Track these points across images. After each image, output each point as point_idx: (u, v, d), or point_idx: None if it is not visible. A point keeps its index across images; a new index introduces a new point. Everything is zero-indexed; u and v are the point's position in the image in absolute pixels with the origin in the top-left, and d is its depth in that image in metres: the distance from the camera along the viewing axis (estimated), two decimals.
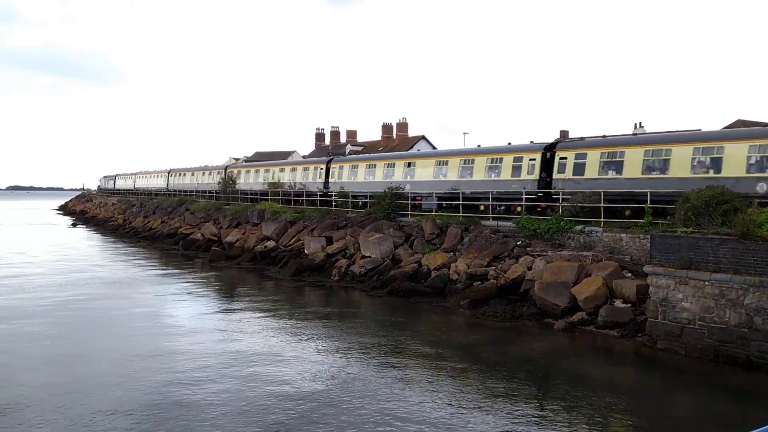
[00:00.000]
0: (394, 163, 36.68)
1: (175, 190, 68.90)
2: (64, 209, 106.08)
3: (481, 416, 11.56)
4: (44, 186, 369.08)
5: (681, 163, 22.14)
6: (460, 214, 27.85)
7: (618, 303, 18.37)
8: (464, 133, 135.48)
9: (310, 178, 44.00)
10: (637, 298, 17.89)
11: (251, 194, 47.51)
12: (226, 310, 21.93)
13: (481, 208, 28.28)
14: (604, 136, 27.11)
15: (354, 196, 36.25)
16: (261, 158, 71.93)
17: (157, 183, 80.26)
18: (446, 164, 32.42)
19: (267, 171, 51.53)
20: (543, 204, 25.93)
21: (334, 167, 41.92)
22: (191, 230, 44.11)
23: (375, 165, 38.17)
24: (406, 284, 23.70)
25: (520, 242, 23.65)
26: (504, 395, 12.81)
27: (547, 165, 27.08)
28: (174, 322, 19.61)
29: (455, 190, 30.16)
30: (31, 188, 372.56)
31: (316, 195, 40.64)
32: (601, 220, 22.07)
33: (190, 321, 19.80)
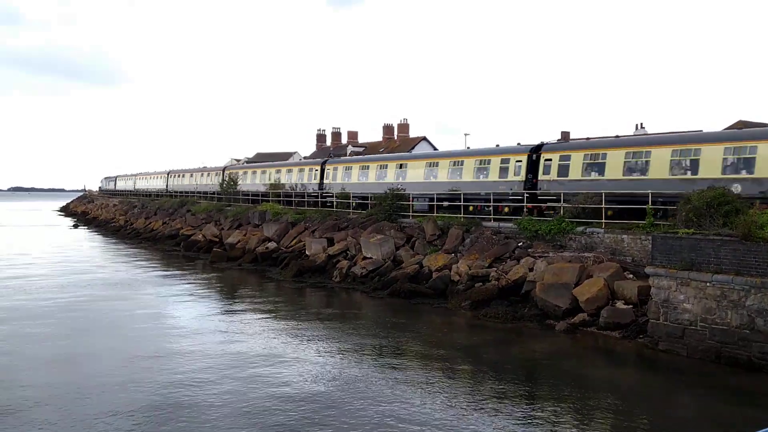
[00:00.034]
0: (386, 165, 37.40)
1: (174, 191, 69.38)
2: (66, 210, 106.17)
3: (483, 417, 11.56)
4: (46, 187, 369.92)
5: (660, 165, 22.72)
6: (461, 215, 27.88)
7: (619, 304, 18.36)
8: (465, 134, 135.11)
9: (306, 179, 44.81)
10: (639, 299, 17.88)
11: (252, 195, 47.67)
12: (227, 311, 21.94)
13: (471, 208, 28.76)
14: (588, 139, 27.66)
15: (348, 197, 36.88)
16: (262, 159, 71.95)
17: (157, 184, 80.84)
18: (437, 166, 33.19)
19: (264, 172, 52.18)
20: (529, 205, 26.40)
21: (329, 168, 42.75)
22: (192, 231, 44.12)
23: (368, 166, 38.88)
24: (408, 285, 23.70)
25: (521, 243, 23.64)
26: (505, 396, 12.81)
27: (533, 166, 27.67)
28: (175, 324, 19.62)
29: (454, 191, 30.26)
30: (33, 189, 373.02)
31: (313, 195, 41.26)
32: (603, 221, 22.07)
33: (192, 322, 19.81)
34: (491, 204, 27.70)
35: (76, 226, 68.86)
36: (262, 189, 47.94)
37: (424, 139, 62.95)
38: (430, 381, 13.73)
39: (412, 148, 58.07)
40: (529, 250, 22.94)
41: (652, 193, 21.60)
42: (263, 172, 52.29)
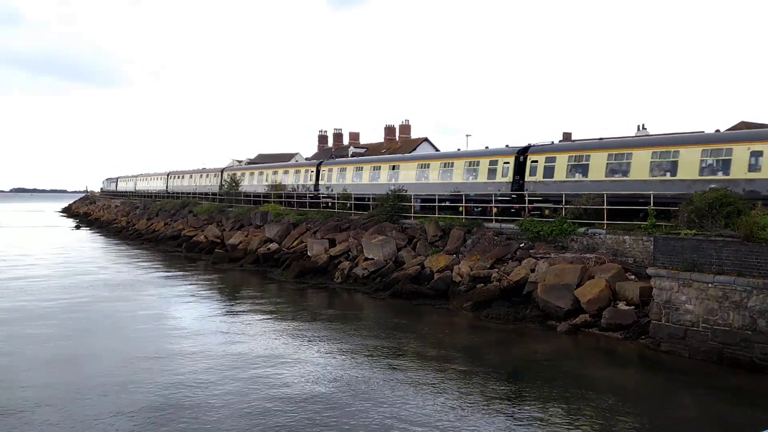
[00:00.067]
0: (380, 166, 38.13)
1: (174, 192, 69.96)
2: (68, 211, 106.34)
3: (485, 418, 11.55)
4: (48, 188, 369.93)
5: (641, 167, 23.25)
6: (463, 217, 27.89)
7: (621, 305, 18.34)
8: (467, 135, 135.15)
9: (302, 180, 45.61)
10: (641, 300, 17.86)
11: (249, 196, 47.96)
12: (229, 312, 21.95)
13: (460, 209, 29.16)
14: (573, 141, 27.99)
15: (342, 198, 37.47)
16: (263, 160, 72.05)
17: (157, 185, 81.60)
18: (428, 167, 33.86)
19: (261, 173, 52.92)
20: (516, 206, 26.95)
21: (324, 170, 43.59)
22: (194, 232, 44.15)
23: (362, 168, 39.58)
24: (409, 286, 23.70)
25: (523, 244, 23.63)
26: (507, 397, 12.81)
27: (520, 168, 28.22)
28: (177, 324, 19.64)
29: (457, 192, 30.35)
30: (35, 190, 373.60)
31: (306, 196, 41.97)
32: (605, 222, 22.06)
33: (193, 323, 19.83)
34: (479, 205, 28.30)
35: (77, 228, 68.93)
36: (260, 190, 48.63)
37: (426, 140, 62.92)
38: (432, 382, 13.73)
39: (414, 149, 58.04)
40: (531, 251, 22.92)
41: (632, 194, 22.25)
42: (260, 174, 53.07)
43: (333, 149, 71.46)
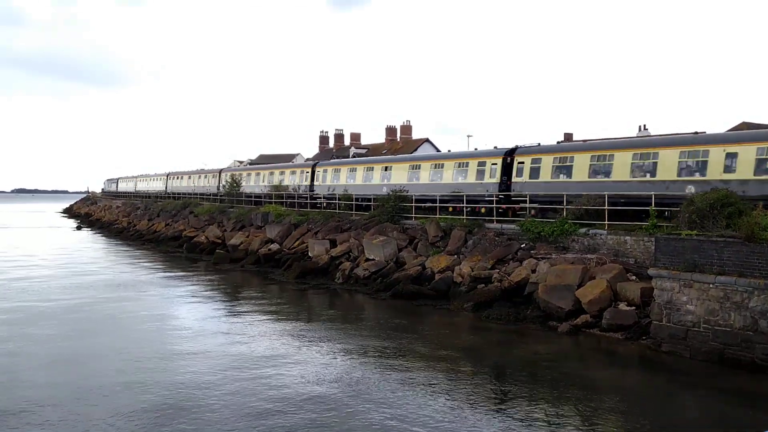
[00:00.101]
0: (372, 167, 38.83)
1: (173, 193, 70.62)
2: (69, 212, 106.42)
3: (485, 419, 11.55)
4: (49, 189, 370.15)
5: (622, 168, 23.90)
6: (464, 217, 27.92)
7: (622, 306, 18.33)
8: (468, 136, 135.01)
9: (297, 181, 46.31)
10: (642, 300, 17.85)
11: (247, 197, 48.25)
12: (230, 312, 21.96)
13: (450, 209, 29.80)
14: (558, 143, 28.96)
15: (337, 198, 38.24)
16: (265, 161, 72.19)
17: (157, 186, 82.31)
18: (419, 168, 34.53)
19: (258, 174, 53.56)
20: (503, 206, 27.50)
21: (319, 171, 44.30)
22: (195, 233, 44.19)
23: (355, 169, 40.33)
24: (410, 287, 23.70)
25: (524, 245, 23.62)
26: (508, 398, 12.81)
27: (507, 169, 28.89)
28: (178, 325, 19.66)
29: (457, 192, 30.56)
30: (36, 191, 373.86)
31: (303, 197, 42.60)
32: (606, 222, 22.06)
33: (195, 324, 19.84)
34: (468, 205, 28.91)
35: (79, 228, 69.01)
36: (257, 191, 49.28)
37: (427, 140, 62.96)
38: (433, 382, 13.72)
39: (415, 149, 58.07)
40: (532, 251, 22.92)
41: (612, 194, 22.83)
42: (257, 174, 53.69)
43: (334, 150, 71.48)
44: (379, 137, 73.09)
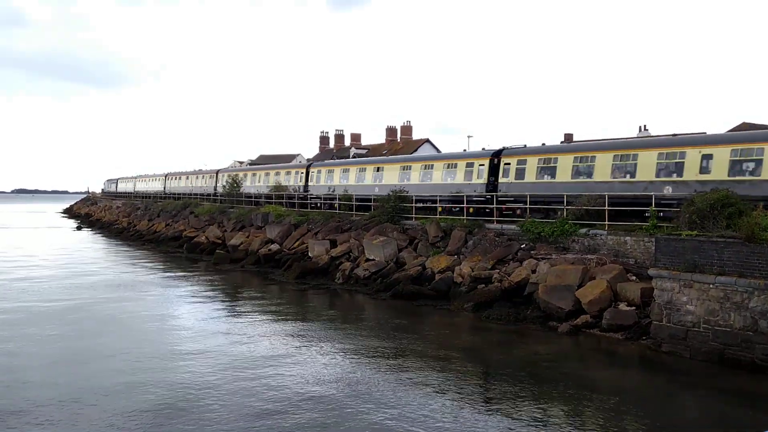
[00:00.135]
0: (365, 168, 39.48)
1: (171, 193, 71.51)
2: (69, 212, 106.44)
3: (485, 419, 11.55)
4: (49, 189, 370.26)
5: (603, 169, 24.56)
6: (464, 217, 27.93)
7: (622, 306, 18.34)
8: (468, 136, 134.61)
9: (292, 181, 46.99)
10: (642, 301, 17.86)
11: (249, 197, 48.46)
12: (230, 313, 21.96)
13: (439, 209, 30.37)
14: (543, 144, 29.44)
15: (330, 198, 39.17)
16: (265, 161, 72.35)
17: (155, 186, 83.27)
18: (410, 169, 35.22)
19: (254, 175, 54.25)
20: (490, 206, 27.90)
21: (313, 171, 45.18)
22: (195, 233, 44.20)
23: (348, 170, 41.02)
24: (410, 287, 23.70)
25: (524, 245, 23.63)
26: (507, 398, 12.80)
27: (494, 170, 29.50)
28: (178, 325, 19.66)
29: (457, 193, 30.82)
30: (36, 191, 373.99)
31: (297, 197, 43.30)
32: (606, 223, 22.07)
33: (195, 324, 19.84)
34: (456, 205, 29.58)
35: (79, 228, 69.04)
36: (252, 191, 50.03)
37: (428, 140, 62.97)
38: (433, 382, 13.73)
39: (415, 149, 58.11)
40: (532, 252, 22.92)
41: (593, 194, 23.34)
42: (253, 175, 54.38)
43: (334, 150, 71.51)
44: (380, 137, 73.13)
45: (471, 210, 28.74)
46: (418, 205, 30.60)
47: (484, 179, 29.81)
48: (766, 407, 12.64)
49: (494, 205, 27.11)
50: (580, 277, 19.55)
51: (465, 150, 34.48)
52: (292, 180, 47.11)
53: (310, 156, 76.05)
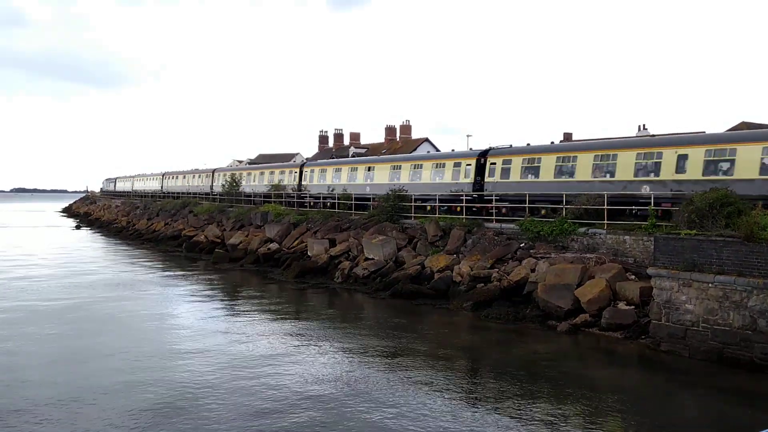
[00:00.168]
0: (356, 168, 40.35)
1: (168, 192, 72.27)
2: (68, 211, 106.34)
3: (484, 418, 11.55)
4: (48, 188, 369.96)
5: (584, 169, 25.26)
6: (464, 216, 27.94)
7: (621, 305, 18.34)
8: (468, 135, 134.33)
9: (287, 180, 47.80)
10: (641, 300, 17.86)
11: (246, 196, 48.73)
12: (229, 312, 21.95)
13: (428, 208, 30.94)
14: (528, 144, 30.07)
15: (322, 197, 39.99)
16: (264, 160, 72.47)
17: (153, 185, 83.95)
18: (400, 168, 35.95)
19: (249, 174, 55.11)
20: (477, 205, 28.84)
21: (307, 171, 46.11)
22: (195, 232, 44.16)
23: (341, 169, 41.94)
24: (410, 286, 23.70)
25: (523, 244, 23.63)
26: (507, 397, 12.80)
27: (481, 170, 30.18)
28: (178, 324, 19.65)
29: (457, 192, 30.78)
30: (36, 190, 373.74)
31: (292, 196, 43.91)
32: (605, 222, 22.07)
33: (194, 323, 19.83)
34: (444, 204, 30.24)
35: (78, 227, 69.02)
36: (248, 190, 50.88)
37: (427, 140, 62.94)
38: (432, 382, 13.73)
39: (415, 149, 58.07)
40: (531, 251, 22.92)
41: (575, 195, 23.95)
42: (248, 174, 55.06)
43: (334, 149, 71.49)
44: (379, 137, 73.16)
45: (458, 209, 29.18)
46: (406, 204, 30.99)
47: (471, 179, 30.49)
48: (765, 406, 12.64)
49: (481, 204, 27.75)
50: (579, 276, 19.55)
51: (453, 150, 35.50)
52: (286, 179, 47.88)
53: (310, 155, 76.07)
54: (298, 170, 47.14)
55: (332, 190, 39.57)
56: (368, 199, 35.51)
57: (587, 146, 26.78)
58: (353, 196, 36.21)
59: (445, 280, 23.47)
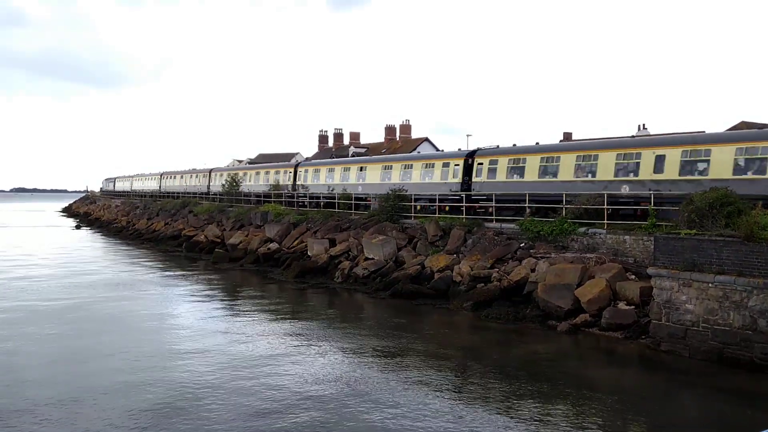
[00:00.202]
0: (349, 168, 41.24)
1: (166, 192, 72.91)
2: (68, 211, 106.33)
3: (484, 418, 11.55)
4: (48, 188, 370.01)
5: (567, 169, 25.93)
6: (464, 216, 27.95)
7: (621, 305, 18.33)
8: (468, 135, 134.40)
9: (281, 180, 48.55)
10: (641, 300, 17.85)
11: (251, 196, 48.85)
12: (229, 312, 21.95)
13: (418, 207, 31.55)
14: (514, 145, 30.58)
15: (316, 197, 40.78)
16: (264, 160, 72.58)
17: (152, 185, 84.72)
18: (390, 168, 36.78)
19: (245, 174, 55.85)
20: (465, 204, 28.97)
21: (301, 171, 47.11)
22: (195, 232, 44.14)
23: (334, 169, 42.92)
24: (410, 286, 23.69)
25: (523, 244, 23.62)
26: (507, 397, 12.80)
27: (469, 170, 30.85)
28: (177, 324, 19.65)
29: (455, 192, 30.96)
30: (36, 190, 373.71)
31: (287, 195, 44.33)
32: (605, 222, 22.07)
33: (194, 323, 19.83)
34: (433, 204, 30.58)
35: (78, 227, 69.01)
36: (245, 190, 51.53)
37: (426, 139, 62.95)
38: (432, 382, 13.72)
39: (414, 148, 58.06)
40: (531, 251, 22.92)
41: (559, 194, 24.50)
42: (245, 174, 55.75)
43: (333, 149, 71.49)
44: (379, 137, 73.15)
45: (447, 208, 29.95)
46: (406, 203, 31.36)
47: (459, 179, 31.17)
48: (765, 406, 12.64)
49: (469, 204, 28.37)
50: (580, 276, 19.54)
51: (442, 150, 35.79)
52: (281, 179, 48.64)
53: (310, 155, 76.07)
54: (292, 170, 48.12)
55: (332, 190, 39.87)
56: (361, 199, 36.30)
57: (570, 147, 27.48)
58: (350, 196, 36.42)
59: (445, 280, 23.47)
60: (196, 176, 68.92)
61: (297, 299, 24.68)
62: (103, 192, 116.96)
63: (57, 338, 17.55)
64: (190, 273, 31.72)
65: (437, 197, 30.59)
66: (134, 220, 60.61)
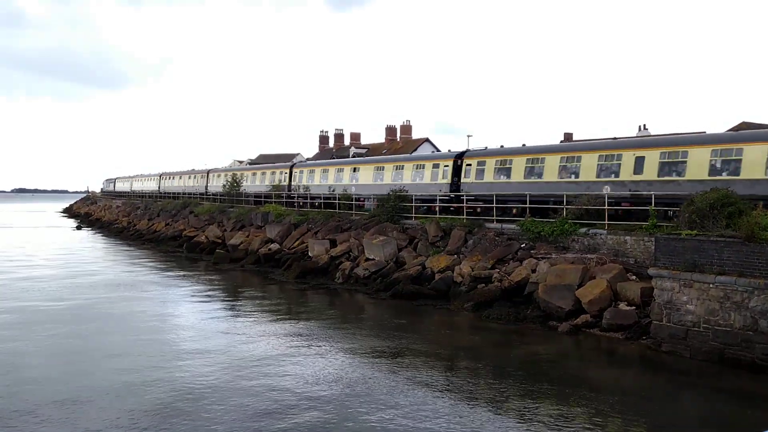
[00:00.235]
0: (342, 169, 42.05)
1: (165, 192, 73.53)
2: (69, 212, 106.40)
3: (485, 419, 11.55)
4: (49, 188, 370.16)
5: (551, 170, 26.56)
6: (464, 217, 27.95)
7: (622, 305, 18.32)
8: (468, 136, 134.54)
9: (277, 181, 49.16)
10: (642, 300, 17.84)
11: (249, 196, 49.12)
12: (230, 312, 21.96)
13: (421, 208, 31.96)
14: (502, 147, 30.92)
15: (312, 197, 41.28)
16: (264, 160, 72.62)
17: (151, 186, 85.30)
18: (383, 169, 37.49)
19: (242, 175, 56.27)
20: (454, 204, 29.92)
21: (296, 171, 48.02)
22: (195, 233, 44.16)
23: (328, 170, 43.74)
24: (410, 287, 23.69)
25: (524, 245, 23.61)
26: (508, 398, 12.80)
27: (458, 171, 31.50)
28: (178, 325, 19.65)
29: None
30: (36, 190, 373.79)
31: (281, 196, 44.64)
32: (606, 222, 22.07)
33: (195, 323, 19.84)
34: (424, 204, 31.33)
35: (79, 228, 69.05)
36: (243, 190, 51.86)
37: (427, 140, 62.91)
38: (433, 382, 13.72)
39: (415, 149, 58.00)
40: (532, 251, 22.91)
41: (543, 194, 25.63)
42: (242, 175, 56.15)
43: (334, 149, 71.50)
44: (380, 137, 73.13)
45: (436, 209, 30.43)
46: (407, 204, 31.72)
47: (448, 179, 31.78)
48: (766, 407, 12.63)
49: (458, 204, 28.95)
50: (580, 276, 19.54)
51: (432, 151, 37.08)
52: (277, 180, 49.17)
53: (311, 155, 76.11)
54: (288, 171, 48.80)
55: (333, 190, 40.04)
56: (355, 199, 36.64)
57: (554, 149, 27.97)
58: (350, 196, 36.50)
59: (446, 281, 23.47)
60: (194, 177, 69.52)
61: (298, 300, 24.68)
62: (104, 192, 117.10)
63: (58, 338, 17.56)
64: (191, 273, 31.73)
65: (429, 198, 31.00)
66: (135, 220, 60.64)
